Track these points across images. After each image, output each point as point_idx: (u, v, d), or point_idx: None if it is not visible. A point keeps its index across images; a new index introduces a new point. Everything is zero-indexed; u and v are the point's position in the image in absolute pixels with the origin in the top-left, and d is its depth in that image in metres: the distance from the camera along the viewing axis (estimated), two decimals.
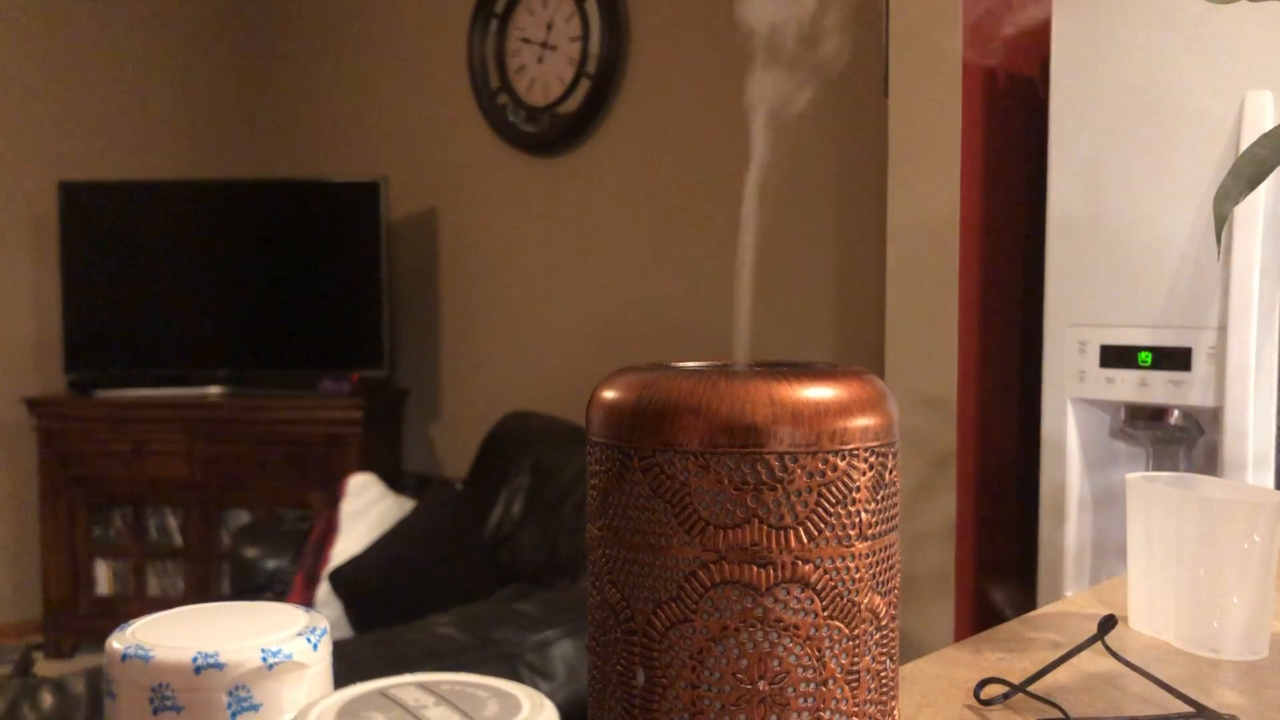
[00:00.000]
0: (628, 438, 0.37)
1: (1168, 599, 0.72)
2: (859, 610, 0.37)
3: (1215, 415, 1.54)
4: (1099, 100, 1.64)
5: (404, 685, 0.26)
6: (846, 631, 0.37)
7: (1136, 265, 1.61)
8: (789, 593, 0.36)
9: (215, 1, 3.98)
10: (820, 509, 0.36)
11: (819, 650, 0.36)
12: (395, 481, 2.79)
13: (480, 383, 3.38)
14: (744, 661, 0.36)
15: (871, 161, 2.08)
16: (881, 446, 0.38)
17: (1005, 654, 0.70)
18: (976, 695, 0.61)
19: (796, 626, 0.36)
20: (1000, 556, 2.14)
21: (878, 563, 0.38)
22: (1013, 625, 0.76)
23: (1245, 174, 0.56)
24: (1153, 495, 0.72)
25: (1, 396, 3.51)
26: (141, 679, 0.28)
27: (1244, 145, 1.32)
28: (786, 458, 0.36)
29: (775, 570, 0.36)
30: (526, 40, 3.11)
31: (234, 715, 0.28)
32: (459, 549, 2.29)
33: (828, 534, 0.36)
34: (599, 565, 0.39)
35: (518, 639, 1.62)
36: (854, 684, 0.37)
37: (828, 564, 0.36)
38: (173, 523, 3.33)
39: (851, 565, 0.37)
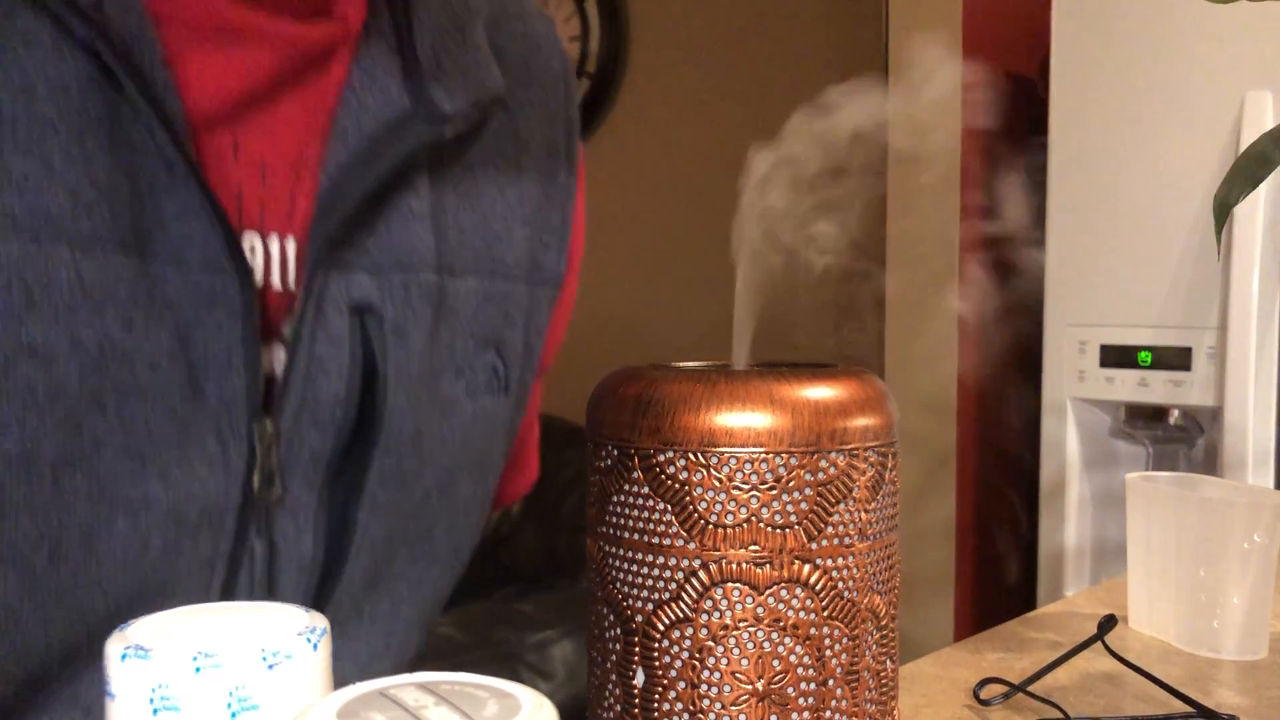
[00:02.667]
0: (628, 438, 0.37)
1: (1168, 599, 0.72)
2: (859, 610, 0.37)
3: (1215, 415, 1.54)
4: (1099, 100, 1.64)
5: (404, 685, 0.26)
6: (846, 631, 0.37)
7: (1136, 265, 1.61)
8: (789, 592, 0.36)
9: None
10: (820, 509, 0.36)
11: (819, 650, 0.36)
12: None
13: None
14: (744, 661, 0.36)
15: (872, 162, 2.08)
16: (881, 446, 0.38)
17: (1005, 654, 0.70)
18: (976, 695, 0.61)
19: (796, 626, 0.36)
20: (1000, 556, 2.14)
21: (878, 562, 0.38)
22: (1013, 625, 0.76)
23: (1245, 173, 0.56)
24: (1153, 495, 0.72)
25: None
26: (140, 679, 0.28)
27: (1244, 145, 1.32)
28: (786, 457, 0.36)
29: (775, 570, 0.36)
30: None
31: (234, 715, 0.28)
32: None
33: (827, 534, 0.36)
34: (599, 565, 0.39)
35: (518, 639, 1.62)
36: (854, 684, 0.37)
37: (827, 564, 0.36)
38: None
39: (851, 565, 0.37)
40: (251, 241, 0.50)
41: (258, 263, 0.50)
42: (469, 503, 0.62)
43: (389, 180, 0.52)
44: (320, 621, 0.30)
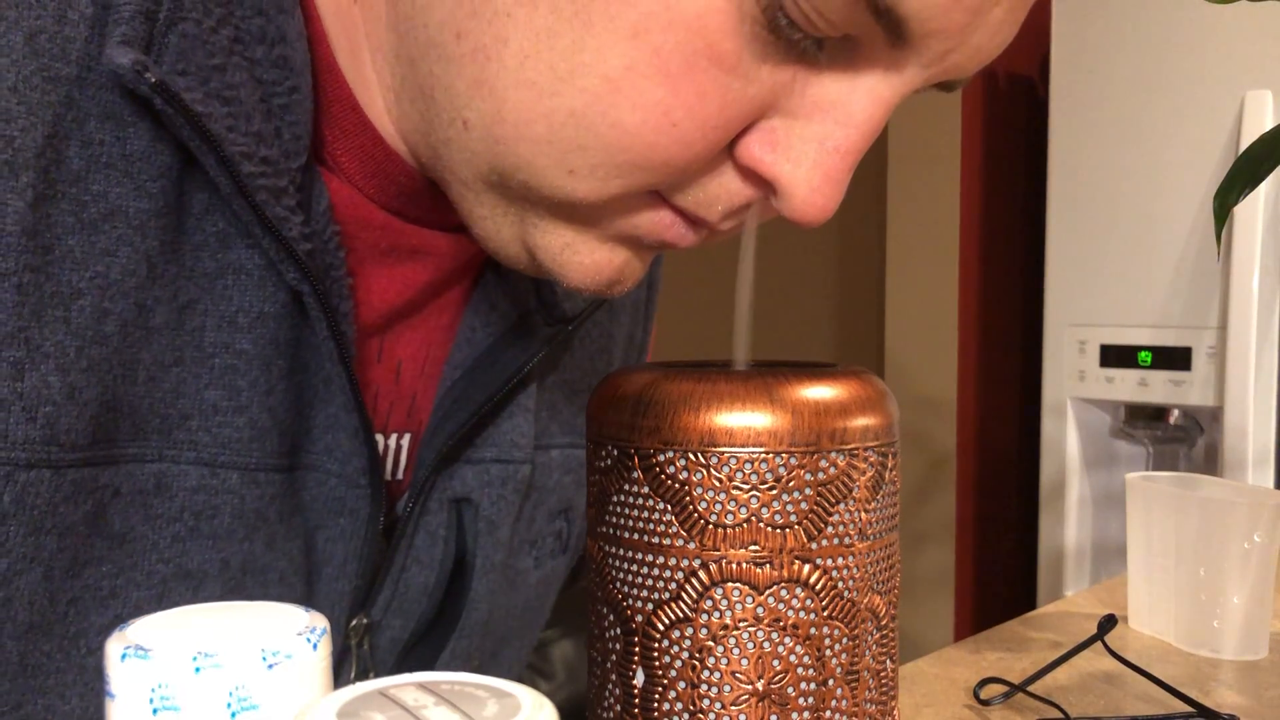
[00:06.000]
0: (628, 437, 0.37)
1: (1168, 599, 0.72)
2: (859, 610, 0.37)
3: (1215, 415, 1.54)
4: (1099, 100, 1.64)
5: (404, 685, 0.26)
6: (846, 631, 0.37)
7: (1136, 265, 1.61)
8: (789, 592, 0.36)
9: None
10: (820, 508, 0.36)
11: (819, 650, 0.36)
12: None
13: None
14: (744, 661, 0.36)
15: (872, 161, 2.08)
16: (881, 446, 0.38)
17: (1005, 654, 0.70)
18: (976, 695, 0.61)
19: (796, 626, 0.36)
20: (1000, 556, 2.14)
21: (878, 562, 0.38)
22: (1013, 625, 0.76)
23: (1245, 173, 0.56)
24: (1153, 495, 0.72)
25: None
26: (140, 679, 0.28)
27: (1244, 145, 1.32)
28: (786, 457, 0.36)
29: (775, 570, 0.36)
30: None
31: (233, 715, 0.28)
32: None
33: (827, 534, 0.36)
34: (599, 565, 0.39)
35: None
36: (854, 684, 0.37)
37: (827, 564, 0.36)
38: None
39: (851, 565, 0.37)
40: (378, 441, 0.50)
41: None
42: (524, 643, 0.63)
43: (508, 380, 0.52)
44: (320, 621, 0.30)
